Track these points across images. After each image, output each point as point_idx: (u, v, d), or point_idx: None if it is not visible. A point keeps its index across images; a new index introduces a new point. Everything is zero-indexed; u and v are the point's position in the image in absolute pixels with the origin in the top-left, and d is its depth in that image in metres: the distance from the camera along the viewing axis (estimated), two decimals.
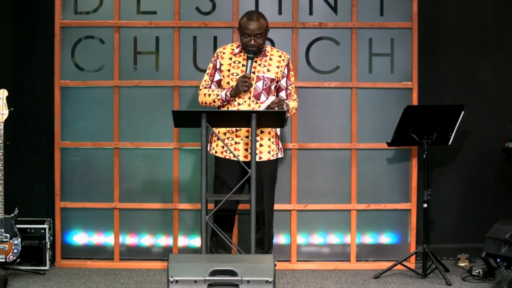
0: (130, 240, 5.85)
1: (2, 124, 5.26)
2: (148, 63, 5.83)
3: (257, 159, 5.01)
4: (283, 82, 5.25)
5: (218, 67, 5.23)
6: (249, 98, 5.14)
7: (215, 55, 5.27)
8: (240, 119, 4.88)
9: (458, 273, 5.65)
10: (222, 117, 4.94)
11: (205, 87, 5.24)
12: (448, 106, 5.59)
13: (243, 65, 5.17)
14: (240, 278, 4.32)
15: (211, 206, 5.11)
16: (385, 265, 5.67)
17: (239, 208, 5.33)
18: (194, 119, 4.78)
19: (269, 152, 5.19)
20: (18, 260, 5.35)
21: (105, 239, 5.85)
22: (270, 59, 5.22)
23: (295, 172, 5.82)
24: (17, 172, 5.77)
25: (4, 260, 5.29)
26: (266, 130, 5.17)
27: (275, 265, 4.42)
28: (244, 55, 5.19)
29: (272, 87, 5.20)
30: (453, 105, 5.57)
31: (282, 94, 5.26)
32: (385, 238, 5.88)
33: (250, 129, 4.83)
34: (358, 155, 5.84)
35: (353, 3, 5.81)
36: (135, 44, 5.82)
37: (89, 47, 5.82)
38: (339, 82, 5.84)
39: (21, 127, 5.83)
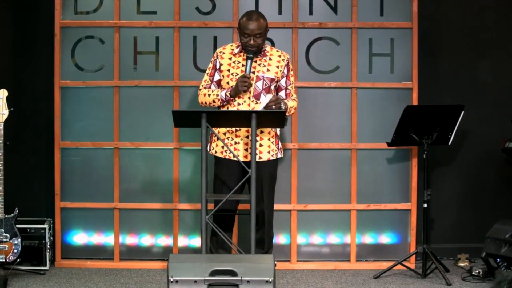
0: (130, 240, 5.85)
1: (2, 124, 5.26)
2: (148, 63, 5.83)
3: (257, 159, 5.00)
4: (282, 82, 5.24)
5: (218, 67, 5.22)
6: (249, 98, 5.13)
7: (215, 55, 5.26)
8: (240, 119, 4.88)
9: (458, 273, 5.65)
10: (222, 117, 4.94)
11: (205, 87, 5.24)
12: (448, 106, 5.58)
13: (242, 65, 5.17)
14: (240, 278, 4.32)
15: (211, 206, 5.11)
16: (385, 265, 5.67)
17: (239, 208, 5.33)
18: (194, 119, 4.78)
19: (269, 152, 5.18)
20: (18, 260, 5.35)
21: (105, 239, 5.85)
22: (270, 59, 5.21)
23: (295, 172, 5.82)
24: (17, 172, 5.76)
25: (4, 260, 5.28)
26: (266, 130, 5.16)
27: (275, 265, 4.41)
28: (243, 55, 5.19)
29: (272, 87, 5.20)
30: (453, 105, 5.57)
31: (282, 94, 5.25)
32: (385, 238, 5.88)
33: (250, 129, 4.83)
34: (358, 155, 5.83)
35: (353, 3, 5.81)
36: (135, 44, 5.82)
37: (89, 47, 5.82)
38: (339, 82, 5.84)
39: (21, 127, 5.83)
